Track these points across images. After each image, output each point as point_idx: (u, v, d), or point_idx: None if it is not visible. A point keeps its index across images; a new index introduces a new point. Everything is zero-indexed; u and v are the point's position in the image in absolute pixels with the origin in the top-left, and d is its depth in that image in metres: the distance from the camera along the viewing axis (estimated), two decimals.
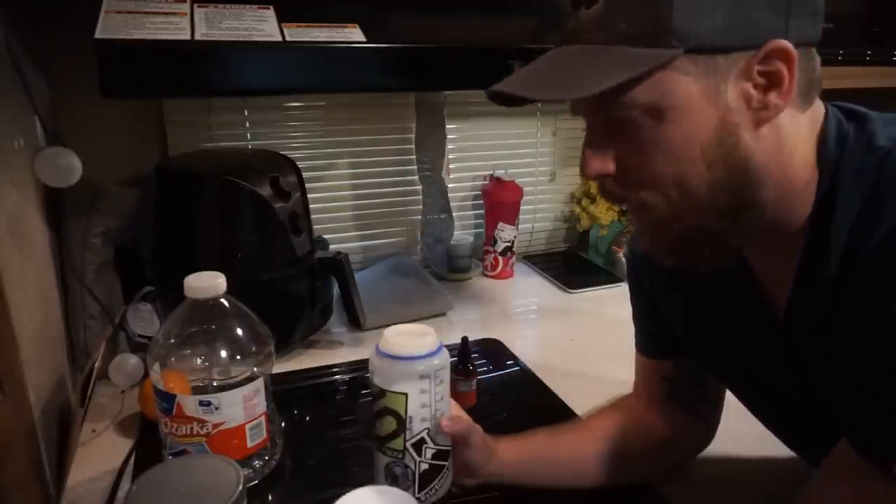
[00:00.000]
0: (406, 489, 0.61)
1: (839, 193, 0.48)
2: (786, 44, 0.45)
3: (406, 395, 0.60)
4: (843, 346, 0.49)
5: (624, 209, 0.55)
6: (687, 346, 0.69)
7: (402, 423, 0.61)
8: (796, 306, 0.53)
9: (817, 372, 0.53)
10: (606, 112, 0.49)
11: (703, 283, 0.62)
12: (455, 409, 0.66)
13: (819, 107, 0.52)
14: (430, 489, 0.64)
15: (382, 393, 0.61)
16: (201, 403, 0.68)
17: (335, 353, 1.07)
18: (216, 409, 0.68)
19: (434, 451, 0.63)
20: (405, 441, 0.62)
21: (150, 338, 0.91)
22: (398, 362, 0.60)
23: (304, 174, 1.07)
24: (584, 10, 0.49)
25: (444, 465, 0.64)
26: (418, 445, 0.62)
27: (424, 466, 0.63)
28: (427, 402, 0.61)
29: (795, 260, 0.52)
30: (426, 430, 0.62)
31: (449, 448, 0.64)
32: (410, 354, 0.60)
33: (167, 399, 0.68)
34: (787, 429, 0.67)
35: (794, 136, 0.49)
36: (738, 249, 0.53)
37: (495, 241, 1.41)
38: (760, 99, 0.47)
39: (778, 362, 0.58)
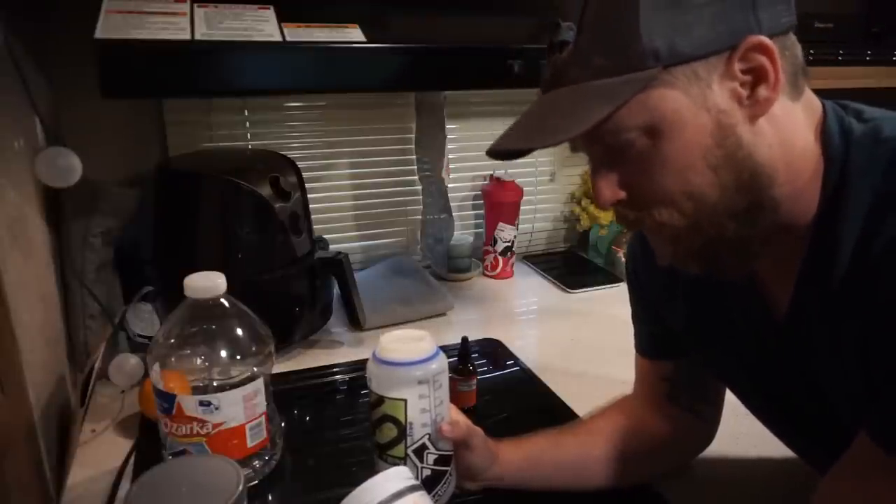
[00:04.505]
0: None
1: (850, 187, 0.48)
2: (760, 38, 0.46)
3: (405, 401, 0.60)
4: (857, 340, 0.48)
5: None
6: (689, 348, 0.69)
7: (402, 429, 0.61)
8: (800, 305, 0.53)
9: (822, 371, 0.53)
10: (603, 143, 0.50)
11: (701, 285, 0.62)
12: (454, 413, 0.65)
13: (813, 99, 0.52)
14: (434, 495, 0.63)
15: (381, 400, 0.61)
16: (201, 403, 0.68)
17: (335, 353, 1.07)
18: (216, 409, 0.68)
19: (436, 456, 0.63)
20: (406, 448, 0.61)
21: (150, 338, 0.91)
22: (395, 368, 0.60)
23: (304, 174, 1.08)
24: (558, 55, 0.51)
25: (446, 471, 0.64)
26: (420, 451, 0.62)
27: (427, 472, 0.62)
28: (427, 408, 0.61)
29: (797, 258, 0.52)
30: (427, 436, 0.61)
31: (451, 453, 0.64)
32: (407, 360, 0.60)
33: (167, 399, 0.68)
34: (792, 431, 0.66)
35: (791, 126, 0.49)
36: (761, 253, 0.53)
37: (495, 241, 1.41)
38: (750, 95, 0.47)
39: (779, 363, 0.58)
